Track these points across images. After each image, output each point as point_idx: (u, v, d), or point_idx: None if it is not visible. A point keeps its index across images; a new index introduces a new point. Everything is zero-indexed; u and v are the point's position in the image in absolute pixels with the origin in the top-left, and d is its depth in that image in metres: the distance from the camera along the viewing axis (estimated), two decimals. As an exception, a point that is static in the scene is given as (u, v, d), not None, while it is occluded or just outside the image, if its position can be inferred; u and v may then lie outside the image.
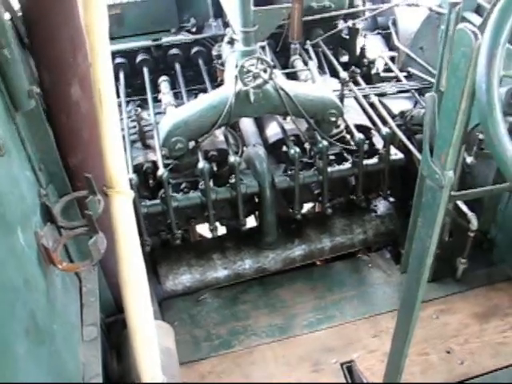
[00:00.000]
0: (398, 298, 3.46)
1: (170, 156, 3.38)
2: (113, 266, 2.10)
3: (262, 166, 3.53)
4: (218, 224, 3.67)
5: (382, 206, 4.12)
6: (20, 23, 2.23)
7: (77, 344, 2.19)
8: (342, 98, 3.72)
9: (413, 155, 3.46)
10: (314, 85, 3.84)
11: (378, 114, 3.74)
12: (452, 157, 1.76)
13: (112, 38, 1.84)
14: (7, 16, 2.02)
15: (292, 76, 4.03)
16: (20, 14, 2.21)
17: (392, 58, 4.55)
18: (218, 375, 3.24)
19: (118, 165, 1.92)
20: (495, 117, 1.50)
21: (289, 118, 3.67)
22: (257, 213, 3.97)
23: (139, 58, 4.41)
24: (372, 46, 4.69)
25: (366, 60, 4.58)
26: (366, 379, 3.13)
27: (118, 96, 3.87)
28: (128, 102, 4.18)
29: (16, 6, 2.21)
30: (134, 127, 3.67)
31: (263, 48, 3.90)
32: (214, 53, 4.21)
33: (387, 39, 4.81)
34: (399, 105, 3.92)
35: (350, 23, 4.48)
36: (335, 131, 3.63)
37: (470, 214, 3.24)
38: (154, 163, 3.44)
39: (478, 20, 2.70)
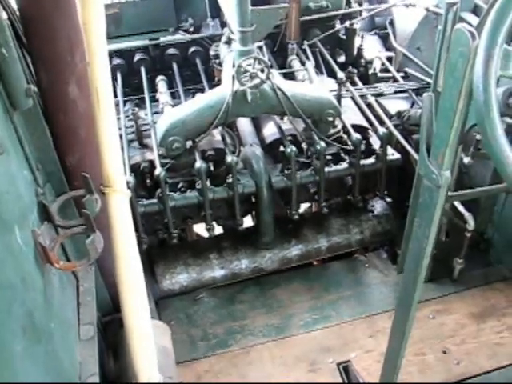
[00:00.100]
0: (395, 298, 3.47)
1: (167, 155, 3.38)
2: (110, 265, 2.10)
3: (259, 166, 3.53)
4: (214, 224, 3.68)
5: (378, 206, 4.13)
6: (18, 22, 2.23)
7: (74, 343, 2.19)
8: (339, 98, 3.72)
9: (410, 155, 3.46)
10: (312, 85, 3.84)
11: (375, 114, 3.75)
12: (449, 157, 1.77)
13: (110, 38, 1.85)
14: (5, 15, 2.02)
15: (289, 76, 4.04)
16: (18, 13, 2.21)
17: (389, 59, 4.56)
18: (215, 375, 3.24)
19: (115, 164, 1.92)
20: (492, 117, 1.50)
21: (286, 118, 3.67)
22: (254, 212, 3.97)
23: (137, 57, 4.41)
24: (369, 47, 4.70)
25: (363, 60, 4.59)
26: (362, 379, 3.14)
27: (116, 95, 3.88)
28: (125, 102, 4.18)
29: (14, 5, 2.22)
30: (132, 126, 3.67)
31: (260, 48, 3.90)
32: (212, 52, 4.20)
33: (384, 39, 4.82)
34: (396, 105, 3.92)
35: (347, 23, 4.49)
36: (332, 131, 3.64)
37: (467, 215, 3.24)
38: (151, 162, 3.44)
39: (475, 20, 2.70)
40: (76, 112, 2.35)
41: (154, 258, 3.81)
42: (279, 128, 3.73)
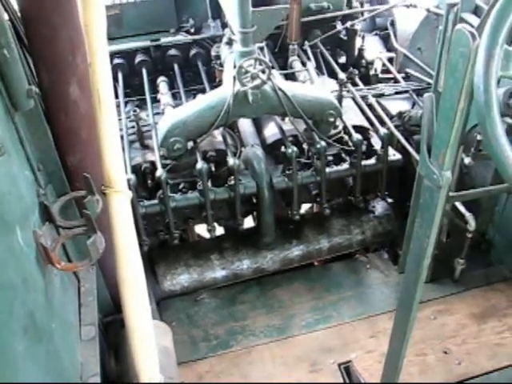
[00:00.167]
0: (396, 298, 3.46)
1: (168, 156, 3.39)
2: (111, 265, 2.11)
3: (260, 167, 3.54)
4: (216, 224, 3.68)
5: (379, 206, 4.13)
6: (19, 23, 2.23)
7: (75, 343, 2.20)
8: (340, 98, 3.73)
9: (411, 156, 3.46)
10: (313, 85, 3.85)
11: (376, 115, 3.75)
12: (450, 157, 1.77)
13: (111, 39, 1.85)
14: (6, 16, 2.02)
15: (290, 77, 4.04)
16: (19, 13, 2.21)
17: (390, 59, 4.56)
18: (216, 375, 3.24)
19: (116, 165, 1.92)
20: (493, 117, 1.50)
21: (287, 119, 3.67)
22: (255, 213, 3.97)
23: (138, 58, 4.41)
24: (370, 47, 4.70)
25: (364, 61, 4.60)
26: (363, 380, 3.14)
27: (117, 96, 3.88)
28: (127, 103, 4.18)
29: (15, 6, 2.22)
30: (133, 127, 3.67)
31: (261, 49, 3.90)
32: (213, 53, 4.21)
33: (385, 40, 4.83)
34: (397, 105, 3.92)
35: (348, 24, 4.49)
36: (333, 132, 3.64)
37: (468, 215, 3.25)
38: (153, 163, 3.44)
39: (475, 21, 2.70)
40: (77, 113, 2.35)
41: (155, 258, 3.81)
42: (280, 129, 3.73)
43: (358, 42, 4.62)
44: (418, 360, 3.22)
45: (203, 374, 3.25)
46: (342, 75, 3.87)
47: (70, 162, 2.44)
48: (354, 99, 3.96)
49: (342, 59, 4.71)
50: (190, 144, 3.43)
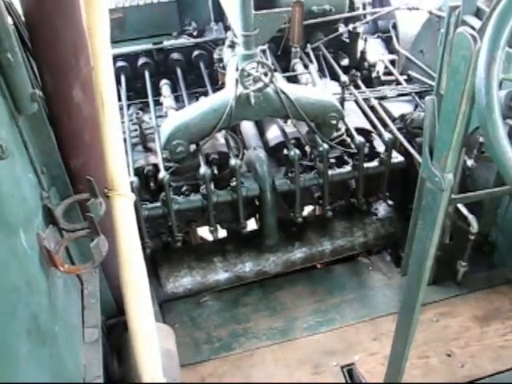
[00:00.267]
0: (399, 300, 3.46)
1: (171, 159, 3.39)
2: (114, 268, 2.11)
3: (263, 169, 3.54)
4: (218, 227, 3.68)
5: (382, 208, 4.13)
6: (23, 27, 2.24)
7: (78, 346, 2.20)
8: (342, 101, 3.73)
9: (413, 158, 3.46)
10: (315, 88, 3.85)
11: (378, 117, 3.75)
12: (452, 160, 1.77)
13: (114, 42, 1.86)
14: (10, 20, 2.03)
15: (293, 79, 4.04)
16: (23, 17, 2.22)
17: (392, 62, 4.56)
18: (219, 378, 3.25)
19: (119, 168, 1.93)
20: (495, 120, 1.50)
21: (289, 121, 3.67)
22: (257, 216, 3.97)
23: (140, 61, 4.42)
24: (372, 50, 4.70)
25: (366, 63, 4.59)
26: (366, 382, 3.14)
27: (120, 99, 3.88)
28: (129, 105, 4.19)
29: (19, 10, 2.23)
30: (135, 130, 3.68)
31: (264, 51, 3.91)
32: (215, 56, 4.22)
33: (387, 42, 4.83)
34: (399, 108, 3.92)
35: (350, 27, 4.49)
36: (336, 134, 3.65)
37: (471, 217, 3.25)
38: (155, 166, 3.45)
39: (477, 23, 2.70)
40: (80, 116, 2.36)
41: (158, 261, 3.82)
42: (283, 131, 3.74)
43: (361, 44, 4.62)
44: (420, 362, 3.22)
45: (206, 376, 3.26)
46: (344, 78, 3.88)
47: (74, 164, 2.45)
48: (356, 102, 3.97)
49: (345, 62, 4.71)
50: (193, 147, 3.44)
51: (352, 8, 4.54)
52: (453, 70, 1.62)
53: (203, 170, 3.32)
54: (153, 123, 3.71)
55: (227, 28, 4.33)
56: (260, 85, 3.24)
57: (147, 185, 3.53)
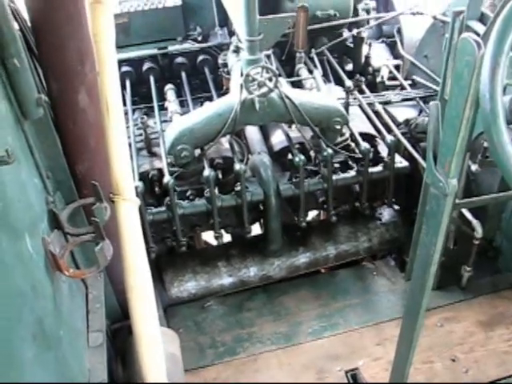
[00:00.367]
0: (403, 305, 3.45)
1: (175, 164, 3.40)
2: (119, 272, 2.12)
3: (267, 174, 3.54)
4: (223, 231, 3.68)
5: (386, 213, 4.13)
6: (29, 32, 2.25)
7: (83, 350, 2.21)
8: (346, 106, 3.73)
9: (418, 163, 3.46)
10: (319, 93, 3.86)
11: (382, 122, 3.75)
12: (456, 165, 1.77)
13: (118, 47, 1.87)
14: (16, 26, 2.04)
15: (297, 84, 4.06)
16: (29, 23, 2.24)
17: (397, 67, 4.57)
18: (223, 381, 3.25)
19: (124, 172, 1.94)
20: (499, 125, 1.51)
21: (294, 126, 3.68)
22: (262, 220, 3.98)
23: (145, 66, 4.44)
24: (377, 55, 4.72)
25: (370, 68, 4.61)
26: (370, 386, 3.14)
27: (125, 104, 3.89)
28: (134, 110, 4.20)
29: (25, 15, 2.24)
30: (140, 135, 3.68)
31: (268, 57, 3.92)
32: (220, 61, 4.23)
33: (392, 47, 4.84)
34: (404, 113, 3.93)
35: (354, 32, 4.50)
36: (340, 139, 3.65)
37: (475, 222, 3.24)
38: (160, 171, 3.45)
39: (481, 29, 2.71)
40: (86, 121, 2.37)
41: (162, 265, 3.82)
42: (287, 136, 3.74)
43: (365, 49, 4.63)
44: (425, 368, 3.21)
45: (210, 380, 3.26)
46: (348, 83, 3.88)
47: (79, 169, 2.46)
48: (360, 106, 3.97)
49: (349, 67, 4.73)
50: (198, 151, 3.45)
51: (356, 13, 4.55)
52: (457, 76, 1.62)
53: (207, 172, 3.32)
54: (157, 128, 3.72)
55: (232, 33, 4.33)
56: (264, 90, 3.25)
57: (152, 189, 3.54)
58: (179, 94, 4.26)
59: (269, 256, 3.89)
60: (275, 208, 3.60)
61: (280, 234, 3.80)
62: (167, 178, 3.27)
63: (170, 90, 4.13)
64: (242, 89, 3.24)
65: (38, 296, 1.72)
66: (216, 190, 3.44)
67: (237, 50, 3.89)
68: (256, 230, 4.13)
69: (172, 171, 3.37)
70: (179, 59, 4.51)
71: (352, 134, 3.68)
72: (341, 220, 3.97)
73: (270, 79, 3.24)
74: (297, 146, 3.63)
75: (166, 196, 3.38)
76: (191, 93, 4.24)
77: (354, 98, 3.97)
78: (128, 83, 4.31)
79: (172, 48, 4.51)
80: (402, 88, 4.27)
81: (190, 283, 3.78)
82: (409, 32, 4.60)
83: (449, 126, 1.73)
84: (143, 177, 3.44)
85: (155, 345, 2.19)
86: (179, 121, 3.49)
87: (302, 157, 3.42)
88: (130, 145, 3.45)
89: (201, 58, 4.53)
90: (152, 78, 4.36)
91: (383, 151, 3.74)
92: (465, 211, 3.28)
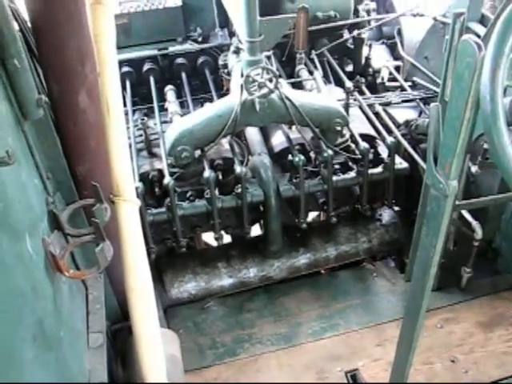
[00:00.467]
0: (403, 306, 3.46)
1: (175, 164, 3.40)
2: (119, 273, 2.12)
3: (268, 175, 3.55)
4: (223, 232, 3.68)
5: (386, 214, 4.13)
6: (29, 33, 2.25)
7: (83, 351, 2.21)
8: (347, 107, 3.74)
9: (418, 164, 3.46)
10: (320, 94, 3.86)
11: (382, 124, 3.75)
12: (456, 166, 1.77)
13: (119, 48, 1.87)
14: (16, 26, 2.04)
15: (297, 85, 4.06)
16: (29, 24, 2.24)
17: (397, 68, 4.57)
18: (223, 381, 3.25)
19: (124, 173, 1.94)
20: (499, 127, 1.51)
21: (294, 127, 3.68)
22: (262, 221, 3.98)
23: (146, 67, 4.44)
24: (377, 56, 4.72)
25: (370, 69, 4.61)
26: (370, 386, 3.14)
27: (125, 105, 3.89)
28: (134, 111, 4.21)
29: (25, 16, 2.24)
30: (141, 136, 3.69)
31: (269, 57, 3.92)
32: (220, 62, 4.23)
33: (392, 49, 4.84)
34: (404, 114, 3.93)
35: (355, 33, 4.51)
36: (340, 140, 3.65)
37: (475, 223, 3.24)
38: (160, 172, 3.46)
39: (482, 30, 2.71)
40: (86, 122, 2.37)
41: (162, 266, 3.82)
42: (287, 137, 3.74)
43: (365, 50, 4.64)
44: (424, 368, 3.21)
45: (210, 381, 3.26)
46: (348, 84, 3.88)
47: (79, 170, 2.46)
48: (360, 108, 3.97)
49: (349, 68, 4.74)
50: (198, 152, 3.45)
51: (357, 14, 4.55)
52: (457, 77, 1.62)
53: (207, 173, 3.32)
54: (158, 129, 3.72)
55: (232, 34, 4.34)
56: (265, 91, 3.25)
57: (152, 190, 3.54)
58: (179, 94, 4.26)
59: (269, 257, 3.89)
60: (275, 209, 3.60)
61: (280, 235, 3.80)
62: (167, 179, 3.28)
63: (170, 91, 4.13)
64: (243, 90, 3.24)
65: (38, 297, 1.72)
66: (216, 191, 3.44)
67: (237, 51, 3.90)
68: (256, 230, 4.13)
69: (172, 172, 3.38)
70: (179, 60, 4.51)
71: (352, 135, 3.68)
72: (341, 221, 3.97)
73: (271, 80, 3.24)
74: (297, 147, 3.63)
75: (166, 197, 3.38)
76: (191, 94, 4.24)
77: (354, 99, 3.97)
78: (128, 84, 4.32)
79: (172, 49, 4.51)
80: (402, 89, 4.27)
81: (190, 284, 3.78)
82: (409, 33, 4.60)
83: (449, 127, 1.73)
84: (143, 178, 3.44)
85: (155, 345, 2.19)
86: (179, 122, 3.49)
87: (302, 157, 3.42)
88: (130, 145, 3.45)
89: (201, 58, 4.54)
90: (152, 79, 4.36)
91: (383, 152, 3.74)
92: (465, 212, 3.28)
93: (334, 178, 3.58)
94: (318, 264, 3.98)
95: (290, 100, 3.34)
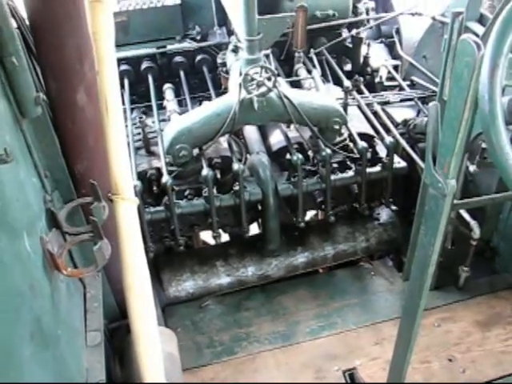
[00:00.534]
0: (401, 305, 3.47)
1: (174, 163, 3.40)
2: (117, 272, 2.12)
3: (266, 174, 3.54)
4: (221, 231, 3.69)
5: (384, 214, 4.13)
6: (27, 31, 2.25)
7: (81, 349, 2.21)
8: (345, 106, 3.73)
9: (416, 164, 3.46)
10: (318, 93, 3.86)
11: (381, 123, 3.75)
12: (455, 165, 1.78)
13: (117, 46, 1.86)
14: (14, 24, 2.04)
15: (296, 84, 4.06)
16: (27, 21, 2.23)
17: (395, 67, 4.57)
18: (221, 382, 3.25)
19: (123, 172, 1.94)
20: (497, 126, 1.51)
21: (292, 126, 3.68)
22: (260, 220, 3.98)
23: (144, 65, 4.44)
24: (375, 55, 4.72)
25: (369, 68, 4.61)
26: (368, 385, 3.14)
27: (123, 103, 3.87)
28: (132, 109, 4.20)
29: (24, 14, 2.24)
30: (139, 134, 3.69)
31: (267, 56, 3.91)
32: (219, 61, 4.22)
33: (391, 48, 4.84)
34: (402, 113, 3.93)
35: (353, 32, 4.51)
36: (338, 139, 3.64)
37: (473, 223, 3.25)
38: (158, 170, 3.45)
39: (480, 30, 2.71)
40: (84, 120, 2.36)
41: (160, 265, 3.82)
42: (285, 136, 3.74)
43: (364, 49, 4.64)
44: (422, 367, 3.22)
45: (208, 380, 3.26)
46: (347, 83, 3.88)
47: (77, 169, 2.45)
48: (359, 107, 3.97)
49: (348, 67, 4.73)
50: (196, 151, 3.45)
51: (355, 13, 4.55)
52: (456, 77, 1.62)
53: (205, 171, 3.32)
54: (156, 127, 3.71)
55: (231, 32, 4.33)
56: (263, 89, 3.25)
57: (150, 189, 3.54)
58: (178, 93, 4.26)
59: (267, 256, 3.89)
60: (273, 208, 3.60)
61: (278, 234, 3.80)
62: (165, 178, 3.27)
63: (168, 89, 4.13)
64: (241, 88, 3.24)
65: (36, 295, 1.71)
66: (214, 190, 3.44)
67: (236, 50, 3.89)
68: (254, 229, 4.13)
69: (170, 170, 3.37)
70: (178, 58, 4.51)
71: (350, 135, 3.68)
72: (339, 220, 3.97)
73: (269, 79, 3.24)
74: (295, 145, 3.63)
75: (165, 195, 3.38)
76: (190, 92, 4.23)
77: (353, 98, 3.97)
78: (126, 82, 4.31)
79: (171, 47, 4.50)
80: (401, 88, 4.28)
81: (188, 283, 3.78)
82: (407, 32, 4.60)
83: (448, 126, 1.73)
84: (141, 176, 3.44)
85: (153, 344, 2.19)
86: (178, 120, 3.48)
87: (300, 156, 3.43)
88: (128, 144, 3.44)
89: (199, 57, 4.53)
90: (150, 77, 4.36)
91: (381, 152, 3.74)
92: (463, 212, 3.28)
93: (332, 177, 3.57)
94: (316, 263, 3.98)
95: (288, 99, 3.34)
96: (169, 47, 4.50)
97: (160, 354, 2.24)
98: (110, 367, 2.73)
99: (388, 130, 3.66)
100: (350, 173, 3.65)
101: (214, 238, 3.64)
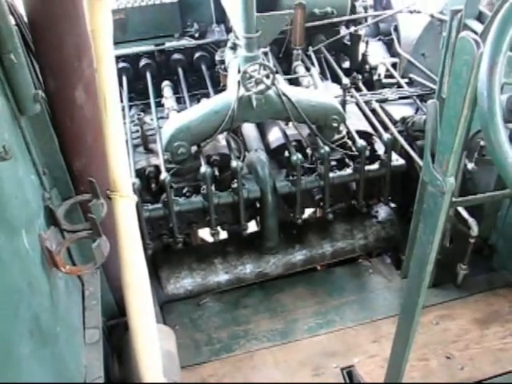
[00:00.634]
0: (399, 303, 3.47)
1: (172, 160, 3.40)
2: (115, 269, 2.12)
3: (264, 171, 3.55)
4: (219, 228, 3.69)
5: (382, 211, 4.13)
6: (25, 28, 2.25)
7: (79, 347, 2.21)
8: (343, 103, 3.73)
9: (414, 161, 3.47)
10: (316, 91, 3.85)
11: (379, 120, 3.76)
12: (453, 163, 1.77)
13: (116, 43, 1.86)
14: (13, 21, 2.04)
15: (294, 82, 4.05)
16: (26, 19, 2.23)
17: (394, 65, 4.57)
18: (219, 379, 3.25)
19: (121, 169, 1.94)
20: (496, 123, 1.51)
21: (291, 124, 3.68)
22: (258, 217, 3.98)
23: (142, 62, 4.44)
24: (374, 52, 4.71)
25: (367, 66, 4.61)
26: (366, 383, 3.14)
27: (121, 100, 3.88)
28: (131, 107, 4.20)
29: (22, 11, 2.23)
30: (137, 131, 3.69)
31: (266, 54, 3.91)
32: (217, 58, 4.22)
33: (389, 45, 4.84)
34: (401, 111, 3.93)
35: (352, 29, 4.51)
36: (337, 137, 3.65)
37: (471, 220, 3.25)
38: (157, 167, 3.46)
39: (479, 27, 2.71)
40: (83, 117, 2.36)
41: (158, 262, 3.82)
42: (284, 133, 3.74)
43: (362, 47, 4.64)
44: (420, 365, 3.22)
45: (206, 377, 3.26)
46: (345, 80, 3.89)
47: (76, 166, 2.45)
48: (357, 104, 3.97)
49: (346, 64, 4.73)
50: (194, 148, 3.45)
51: (354, 11, 4.55)
52: (455, 75, 1.62)
53: (203, 169, 3.32)
54: (154, 124, 3.71)
55: (229, 30, 4.33)
56: (262, 87, 3.24)
57: (148, 186, 3.54)
58: (176, 90, 4.25)
59: (265, 253, 3.89)
60: (272, 205, 3.61)
61: (276, 232, 3.80)
62: (164, 175, 3.27)
63: (166, 87, 4.13)
64: (239, 86, 3.24)
65: (35, 292, 1.71)
66: (213, 187, 3.43)
67: (234, 47, 3.88)
68: (252, 227, 4.13)
69: (169, 168, 3.37)
70: (176, 56, 4.51)
71: (349, 132, 3.68)
72: (337, 218, 3.97)
73: (268, 76, 3.24)
74: (294, 143, 3.63)
75: (163, 193, 3.38)
76: (188, 89, 4.23)
77: (351, 96, 3.97)
78: (125, 79, 4.31)
79: (169, 44, 4.50)
80: (399, 86, 4.28)
81: (187, 280, 3.78)
82: (406, 30, 4.59)
83: (446, 124, 1.73)
84: (140, 173, 3.44)
85: (151, 341, 2.19)
86: (176, 117, 3.48)
87: (300, 155, 3.43)
88: (126, 141, 3.44)
89: (198, 54, 4.53)
90: (149, 75, 4.36)
91: (380, 149, 3.75)
92: (461, 209, 3.28)
93: (331, 174, 3.58)
94: (314, 260, 3.99)
95: (286, 96, 3.34)
96: (167, 44, 4.50)
97: (158, 352, 2.24)
98: (108, 365, 2.73)
99: (386, 128, 3.66)
100: (349, 170, 3.66)
101: (212, 235, 3.64)
